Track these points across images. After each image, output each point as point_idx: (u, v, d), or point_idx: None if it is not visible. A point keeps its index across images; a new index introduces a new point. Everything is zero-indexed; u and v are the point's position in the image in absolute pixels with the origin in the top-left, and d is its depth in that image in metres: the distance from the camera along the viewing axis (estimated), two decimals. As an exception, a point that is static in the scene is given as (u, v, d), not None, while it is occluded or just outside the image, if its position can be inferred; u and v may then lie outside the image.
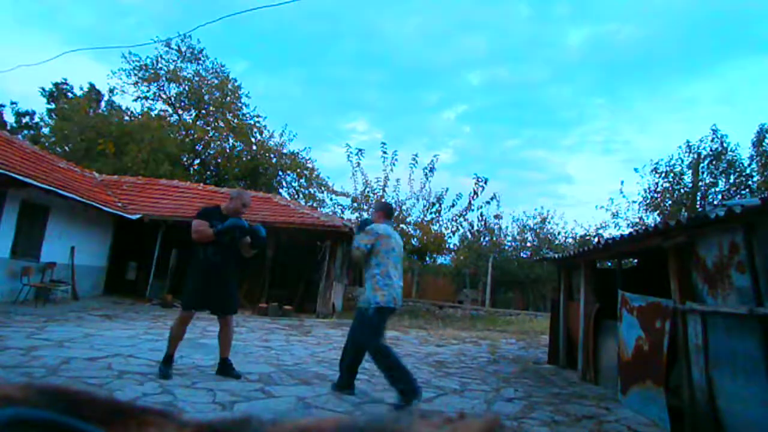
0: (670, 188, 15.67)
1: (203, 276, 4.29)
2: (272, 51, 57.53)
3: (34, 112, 26.89)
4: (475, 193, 15.15)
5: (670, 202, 15.52)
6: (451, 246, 16.85)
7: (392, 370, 3.97)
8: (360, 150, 15.37)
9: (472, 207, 15.36)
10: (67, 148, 19.99)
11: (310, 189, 21.77)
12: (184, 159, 20.16)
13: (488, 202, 15.65)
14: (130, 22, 39.14)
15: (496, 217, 21.83)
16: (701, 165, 15.13)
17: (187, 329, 4.52)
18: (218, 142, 20.44)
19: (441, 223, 15.45)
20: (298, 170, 21.52)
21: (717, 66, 56.43)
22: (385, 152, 15.24)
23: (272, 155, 21.23)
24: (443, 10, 55.52)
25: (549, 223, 25.41)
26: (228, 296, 4.46)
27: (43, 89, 24.79)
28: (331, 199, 18.32)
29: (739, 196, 13.85)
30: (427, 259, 16.92)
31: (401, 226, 14.87)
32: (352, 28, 59.40)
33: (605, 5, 53.97)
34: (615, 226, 17.35)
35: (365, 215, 15.18)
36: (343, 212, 16.34)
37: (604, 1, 54.26)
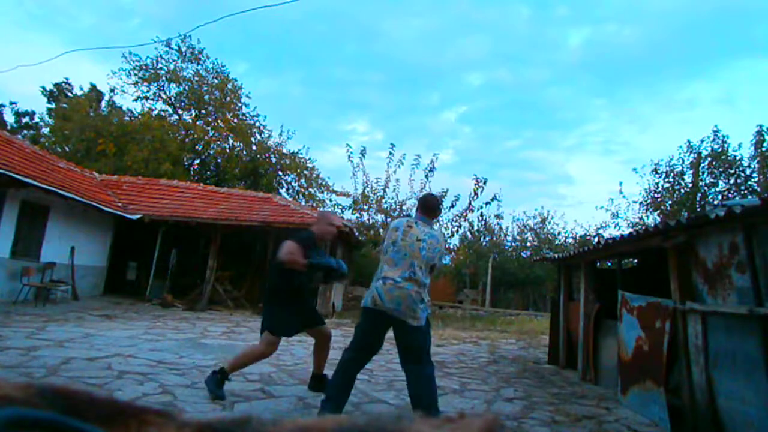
0: (671, 188, 15.65)
1: (291, 301, 4.14)
2: (273, 52, 57.53)
3: (34, 112, 26.92)
4: (475, 193, 15.14)
5: (670, 202, 15.51)
6: (451, 246, 16.84)
7: (332, 384, 3.54)
8: (363, 150, 15.35)
9: (473, 207, 15.34)
10: (67, 148, 20.00)
11: (310, 189, 21.78)
12: (185, 159, 20.16)
13: (488, 203, 15.63)
14: (131, 24, 39.16)
15: (497, 217, 21.82)
16: (701, 165, 15.12)
17: (189, 328, 4.49)
18: (218, 142, 20.44)
19: (441, 223, 15.44)
20: (298, 170, 21.53)
21: (717, 67, 56.48)
22: (391, 153, 15.22)
23: (272, 155, 21.23)
24: (443, 11, 55.56)
25: (549, 223, 25.42)
26: (314, 309, 4.59)
27: (43, 88, 24.82)
28: (331, 199, 18.33)
29: (739, 196, 13.85)
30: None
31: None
32: (352, 29, 59.41)
33: (605, 6, 53.98)
34: (615, 226, 17.35)
35: (365, 216, 15.20)
36: (343, 212, 16.34)
37: (604, 3, 54.27)
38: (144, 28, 41.34)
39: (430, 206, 3.83)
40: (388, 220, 14.84)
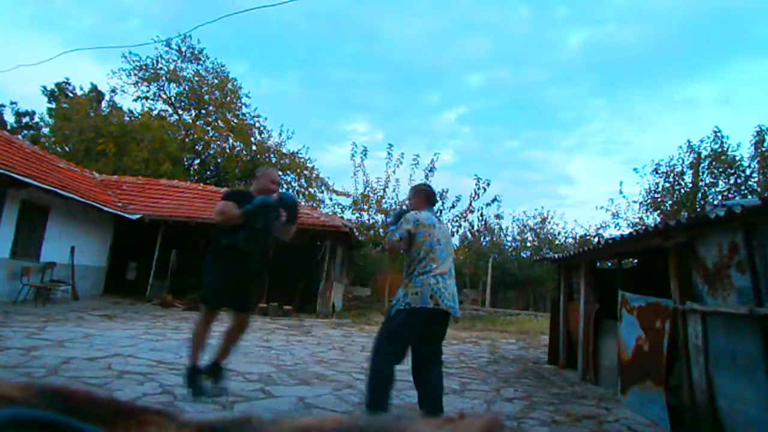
0: (671, 188, 15.65)
1: (230, 266, 3.68)
2: (273, 52, 57.61)
3: (34, 112, 26.93)
4: (476, 194, 15.14)
5: (670, 202, 15.51)
6: (451, 246, 16.83)
7: (373, 389, 3.28)
8: (365, 150, 15.37)
9: (473, 208, 15.35)
10: (67, 148, 20.00)
11: (310, 189, 21.79)
12: (185, 159, 20.17)
13: (489, 204, 15.64)
14: (131, 24, 39.21)
15: (497, 217, 21.82)
16: (701, 165, 15.12)
17: (189, 328, 4.30)
18: (218, 142, 20.45)
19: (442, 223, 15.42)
20: (298, 170, 21.53)
21: (716, 67, 56.54)
22: (390, 153, 15.23)
23: (272, 155, 21.24)
24: (444, 12, 55.58)
25: (549, 223, 25.46)
26: (251, 290, 3.95)
27: (44, 88, 24.83)
28: (331, 199, 18.33)
29: (739, 196, 13.85)
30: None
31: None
32: (352, 30, 59.44)
33: (605, 7, 54.04)
34: (615, 226, 17.35)
35: (365, 216, 15.19)
36: (343, 212, 16.34)
37: (604, 3, 54.32)
38: (144, 29, 41.42)
39: (434, 197, 3.76)
40: (388, 220, 14.83)
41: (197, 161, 21.42)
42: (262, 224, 3.74)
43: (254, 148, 21.18)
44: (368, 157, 15.63)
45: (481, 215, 16.68)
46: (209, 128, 20.83)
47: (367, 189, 15.23)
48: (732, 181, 14.78)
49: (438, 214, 3.66)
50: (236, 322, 3.85)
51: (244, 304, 3.85)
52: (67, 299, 10.35)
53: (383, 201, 15.15)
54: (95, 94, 24.07)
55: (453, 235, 16.06)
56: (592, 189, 58.61)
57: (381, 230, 14.62)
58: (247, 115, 22.11)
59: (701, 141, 15.28)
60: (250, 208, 3.59)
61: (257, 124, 22.04)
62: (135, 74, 20.70)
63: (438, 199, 3.80)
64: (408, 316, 3.24)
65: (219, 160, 20.62)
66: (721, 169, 14.87)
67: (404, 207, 3.83)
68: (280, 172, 21.40)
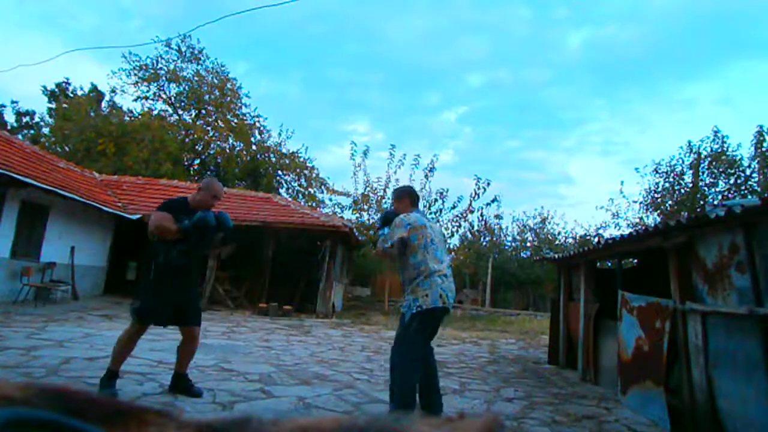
0: (671, 188, 15.66)
1: (164, 282, 3.60)
2: (273, 53, 57.64)
3: (34, 112, 26.93)
4: (476, 194, 15.16)
5: (670, 202, 15.51)
6: (451, 246, 16.84)
7: (401, 391, 3.36)
8: (366, 149, 15.39)
9: (473, 208, 15.36)
10: (67, 148, 20.01)
11: (310, 189, 21.79)
12: (185, 159, 20.18)
13: (489, 204, 15.66)
14: (132, 25, 39.23)
15: (497, 217, 21.83)
16: (701, 165, 15.13)
17: None
18: (218, 142, 20.45)
19: (441, 223, 15.44)
20: (298, 170, 21.54)
21: (716, 68, 56.55)
22: (392, 153, 15.25)
23: (272, 155, 21.25)
24: (444, 12, 55.59)
25: (549, 223, 25.45)
26: (193, 304, 3.87)
27: (44, 88, 24.84)
28: (331, 199, 18.33)
29: (739, 196, 13.85)
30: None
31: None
32: (353, 30, 59.47)
33: (605, 8, 54.07)
34: (615, 227, 17.36)
35: (365, 216, 15.19)
36: (343, 212, 16.34)
37: (604, 4, 54.34)
38: (145, 29, 41.44)
39: (418, 197, 3.86)
40: (377, 223, 14.81)
41: (197, 161, 21.42)
42: (198, 240, 3.65)
43: (254, 148, 21.18)
44: (368, 157, 15.64)
45: (481, 215, 16.72)
46: (209, 128, 20.84)
47: (367, 189, 15.23)
48: (732, 181, 14.79)
49: (435, 214, 3.72)
50: (184, 336, 3.85)
51: (186, 320, 3.78)
52: (67, 299, 10.36)
53: (383, 201, 15.15)
54: (95, 94, 24.07)
55: (452, 235, 16.10)
56: (592, 189, 58.63)
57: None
58: (247, 115, 22.13)
59: (701, 141, 15.31)
60: (188, 225, 3.52)
61: (257, 124, 22.06)
62: (135, 74, 20.72)
63: (420, 197, 3.92)
64: (422, 317, 3.36)
65: (219, 160, 20.62)
66: (721, 170, 14.87)
67: (389, 210, 3.89)
68: (279, 172, 21.48)
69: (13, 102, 26.89)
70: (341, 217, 14.88)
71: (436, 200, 15.30)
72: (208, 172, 21.06)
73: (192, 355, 3.89)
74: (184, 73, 21.07)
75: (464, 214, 15.44)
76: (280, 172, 21.51)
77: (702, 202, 14.47)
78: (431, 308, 3.35)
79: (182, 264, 3.63)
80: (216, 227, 3.68)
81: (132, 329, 3.65)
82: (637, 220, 16.29)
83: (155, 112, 21.28)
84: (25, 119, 26.86)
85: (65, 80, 25.13)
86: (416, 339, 3.40)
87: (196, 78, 21.10)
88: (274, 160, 21.23)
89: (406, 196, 3.78)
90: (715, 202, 13.13)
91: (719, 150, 14.92)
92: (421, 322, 3.37)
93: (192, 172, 20.66)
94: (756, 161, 14.49)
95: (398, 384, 3.40)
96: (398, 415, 0.35)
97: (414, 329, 3.37)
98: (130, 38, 49.24)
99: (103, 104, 23.64)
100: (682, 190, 15.40)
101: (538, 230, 25.33)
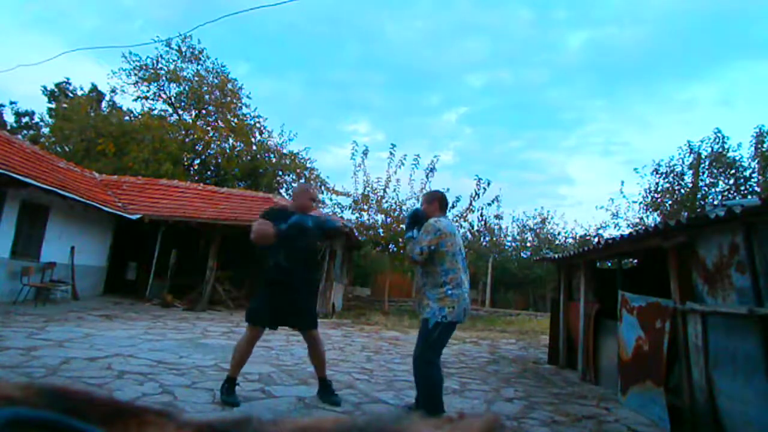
0: (671, 188, 15.66)
1: (273, 285, 3.76)
2: (274, 54, 57.69)
3: (34, 112, 26.93)
4: (477, 194, 15.14)
5: (670, 202, 15.51)
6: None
7: (429, 396, 3.43)
8: (366, 149, 15.37)
9: (473, 208, 15.35)
10: (67, 148, 20.00)
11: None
12: (185, 159, 20.16)
13: (489, 204, 15.65)
14: (133, 26, 39.22)
15: (496, 217, 21.81)
16: (701, 165, 15.13)
17: (189, 328, 4.37)
18: (218, 142, 20.44)
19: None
20: (298, 170, 21.53)
21: (715, 68, 56.58)
22: (393, 153, 15.23)
23: (272, 155, 21.24)
24: (445, 13, 55.60)
25: (549, 223, 25.44)
26: (305, 306, 3.90)
27: (44, 88, 24.83)
28: (331, 199, 18.31)
29: (739, 196, 13.85)
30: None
31: (402, 226, 14.85)
32: (353, 31, 59.48)
33: (604, 9, 54.08)
34: (615, 227, 17.36)
35: (365, 216, 15.18)
36: (343, 212, 16.33)
37: (604, 5, 54.35)
38: (146, 30, 41.44)
39: (447, 204, 3.86)
40: (388, 220, 14.83)
41: (197, 161, 21.41)
42: (303, 243, 3.79)
43: (254, 148, 21.17)
44: (368, 158, 15.63)
45: (481, 215, 16.69)
46: (209, 128, 20.82)
47: (368, 189, 15.22)
48: (732, 182, 14.78)
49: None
50: (306, 341, 3.93)
51: (299, 323, 3.89)
52: (67, 299, 10.35)
53: (383, 201, 15.14)
54: (95, 94, 24.07)
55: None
56: (592, 189, 58.68)
57: (381, 230, 14.61)
58: (248, 115, 22.12)
59: (701, 141, 15.31)
60: (284, 227, 3.65)
61: (257, 125, 22.05)
62: (135, 74, 20.69)
63: (449, 204, 3.94)
64: (445, 328, 3.44)
65: (219, 160, 20.61)
66: (721, 170, 14.87)
67: (418, 208, 3.84)
68: (280, 172, 21.47)
69: (12, 102, 26.94)
70: (341, 217, 14.87)
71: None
72: (208, 172, 21.07)
73: (322, 357, 3.92)
74: (185, 73, 21.06)
75: (464, 214, 15.43)
76: (280, 172, 21.50)
77: (702, 202, 14.47)
78: (454, 321, 3.44)
79: (291, 267, 3.75)
80: (315, 228, 3.82)
81: (248, 334, 3.76)
82: (637, 220, 16.29)
83: (155, 112, 21.27)
84: (25, 119, 26.86)
85: (65, 80, 25.14)
86: (438, 345, 3.47)
87: (196, 78, 21.09)
88: (274, 160, 21.22)
89: (436, 201, 3.75)
90: (715, 202, 13.13)
91: (719, 150, 14.92)
92: (443, 332, 3.43)
93: (192, 172, 20.64)
94: (756, 161, 14.50)
95: (424, 390, 3.47)
96: (398, 415, 0.35)
97: (437, 336, 3.43)
98: (131, 39, 49.31)
99: (103, 104, 23.64)
100: (682, 191, 15.40)
101: (538, 230, 25.32)
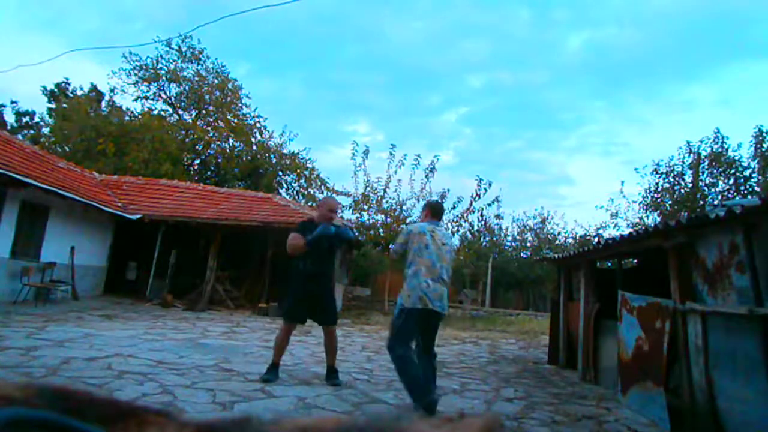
0: (670, 188, 15.65)
1: (301, 287, 4.50)
2: (275, 54, 57.71)
3: (34, 112, 26.92)
4: (477, 194, 15.14)
5: (670, 202, 15.50)
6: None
7: (406, 382, 3.70)
8: (366, 150, 15.36)
9: (473, 208, 15.34)
10: (67, 148, 19.99)
11: (310, 189, 21.76)
12: (185, 159, 20.15)
13: (490, 204, 15.64)
14: (135, 27, 39.24)
15: (497, 217, 21.81)
16: (701, 165, 15.12)
17: (189, 328, 4.54)
18: (218, 142, 20.43)
19: (442, 224, 15.42)
20: (298, 171, 21.51)
21: (715, 69, 56.58)
22: (392, 153, 15.23)
23: (272, 155, 21.23)
24: (445, 14, 55.60)
25: (549, 223, 25.43)
26: (327, 306, 4.60)
27: (44, 88, 24.83)
28: (331, 199, 18.31)
29: (739, 196, 13.84)
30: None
31: (402, 226, 14.85)
32: (354, 31, 59.49)
33: (604, 10, 54.08)
34: (615, 227, 17.35)
35: (365, 216, 15.19)
36: (343, 212, 16.32)
37: (603, 6, 54.35)
38: (147, 31, 41.49)
39: (440, 211, 4.42)
40: (388, 220, 14.83)
41: (197, 161, 21.40)
42: (327, 247, 4.49)
43: (254, 148, 21.16)
44: (369, 158, 15.61)
45: (481, 215, 16.68)
46: (209, 128, 20.81)
47: (368, 189, 15.21)
48: (732, 182, 14.77)
49: (436, 223, 4.19)
50: (325, 333, 4.62)
51: (321, 319, 4.57)
52: (67, 299, 10.35)
53: (383, 201, 15.13)
54: (95, 94, 24.06)
55: (453, 236, 16.06)
56: (592, 189, 58.76)
57: (381, 230, 14.60)
58: (248, 115, 22.11)
59: (701, 141, 15.30)
60: (310, 238, 4.32)
61: (257, 125, 22.04)
62: (135, 74, 20.70)
63: (442, 211, 4.58)
64: (405, 315, 3.80)
65: (219, 160, 20.60)
66: (721, 170, 14.86)
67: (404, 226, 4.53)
68: (280, 172, 21.47)
69: (12, 102, 26.89)
70: (341, 217, 14.86)
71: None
72: (208, 172, 21.06)
73: (333, 349, 4.60)
74: (185, 73, 21.05)
75: (464, 214, 15.42)
76: (280, 173, 21.49)
77: (702, 202, 14.46)
78: (410, 308, 3.77)
79: (315, 271, 4.47)
80: (336, 236, 4.43)
81: (284, 329, 4.52)
82: (637, 220, 16.28)
83: (155, 112, 21.26)
84: (25, 119, 26.85)
85: (65, 80, 25.14)
86: (398, 331, 3.82)
87: (196, 78, 21.09)
88: (274, 160, 21.21)
89: (427, 208, 4.35)
90: (715, 202, 13.13)
91: (719, 150, 14.91)
92: (404, 320, 3.79)
93: (192, 172, 20.63)
94: (756, 161, 14.49)
95: (400, 377, 3.79)
96: (398, 415, 0.35)
97: (397, 323, 3.83)
98: (132, 40, 49.40)
99: (103, 104, 23.63)
100: (682, 191, 15.39)
101: (538, 230, 25.32)
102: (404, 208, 15.15)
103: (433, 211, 4.31)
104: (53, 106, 24.32)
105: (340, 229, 4.49)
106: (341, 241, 4.61)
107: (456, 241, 18.21)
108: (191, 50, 21.02)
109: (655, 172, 15.98)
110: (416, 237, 3.96)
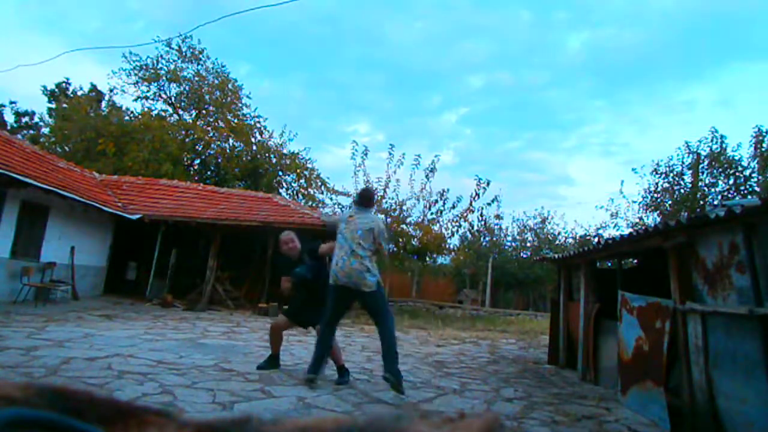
0: (670, 188, 15.65)
1: (305, 295, 5.03)
2: (276, 55, 57.77)
3: (34, 112, 26.91)
4: (477, 194, 15.13)
5: (670, 202, 15.50)
6: (451, 246, 16.82)
7: (318, 349, 4.42)
8: (365, 150, 15.36)
9: (473, 208, 15.34)
10: (67, 148, 19.97)
11: (310, 189, 21.75)
12: (185, 159, 20.14)
13: (489, 204, 15.64)
14: (135, 27, 39.23)
15: (497, 217, 21.80)
16: (701, 165, 15.11)
17: (189, 328, 4.62)
18: (218, 142, 20.42)
19: (441, 223, 15.44)
20: (298, 171, 21.50)
21: (715, 69, 56.57)
22: (391, 153, 15.23)
23: (272, 155, 21.21)
24: (445, 15, 55.57)
25: (549, 223, 25.43)
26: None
27: (44, 88, 24.81)
28: (331, 199, 18.30)
29: (739, 196, 13.84)
30: (427, 259, 16.89)
31: (402, 226, 14.84)
32: (354, 31, 59.49)
33: (604, 10, 54.05)
34: (615, 227, 17.34)
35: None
36: (343, 212, 16.31)
37: (603, 7, 54.32)
38: (148, 31, 41.53)
39: (363, 198, 4.75)
40: (388, 220, 14.83)
41: (197, 161, 21.39)
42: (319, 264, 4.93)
43: (254, 148, 21.15)
44: (369, 158, 15.62)
45: (481, 215, 16.67)
46: (209, 128, 20.80)
47: (367, 189, 15.19)
48: (732, 181, 14.77)
49: (436, 214, 4.53)
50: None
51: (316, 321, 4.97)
52: (67, 299, 10.35)
53: (383, 201, 15.13)
54: (95, 94, 24.05)
55: (453, 235, 16.05)
56: (592, 189, 58.74)
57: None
58: (248, 115, 22.10)
59: (699, 141, 15.30)
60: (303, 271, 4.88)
61: (258, 125, 22.02)
62: (135, 74, 20.68)
63: (368, 197, 4.82)
64: (330, 291, 4.42)
65: (219, 160, 20.59)
66: (720, 170, 14.86)
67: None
68: (280, 172, 21.45)
69: (12, 102, 26.87)
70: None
71: (436, 201, 15.29)
72: (208, 172, 21.04)
73: (337, 350, 4.85)
74: (185, 73, 21.04)
75: (464, 214, 15.42)
76: (280, 173, 21.47)
77: (702, 202, 14.46)
78: (332, 285, 4.38)
79: (313, 279, 4.83)
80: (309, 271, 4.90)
81: (283, 323, 5.08)
82: (637, 220, 16.28)
83: (155, 112, 21.23)
84: (25, 119, 26.84)
85: (65, 80, 25.12)
86: (327, 309, 4.43)
87: (196, 78, 21.07)
88: (274, 160, 21.19)
89: (358, 196, 4.90)
90: (715, 202, 13.13)
91: (718, 150, 14.90)
92: (329, 293, 4.42)
93: (192, 172, 20.62)
94: (755, 161, 14.49)
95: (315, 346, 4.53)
96: (398, 415, 0.35)
97: (328, 301, 4.43)
98: (132, 40, 49.35)
99: (103, 104, 23.62)
100: (682, 191, 15.39)
101: (538, 230, 25.32)
102: (404, 208, 15.15)
103: (359, 199, 4.77)
104: (53, 106, 24.30)
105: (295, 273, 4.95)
106: (311, 253, 4.99)
107: (456, 240, 18.15)
108: (191, 50, 21.01)
109: (654, 172, 15.98)
110: (339, 224, 4.54)
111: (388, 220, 14.82)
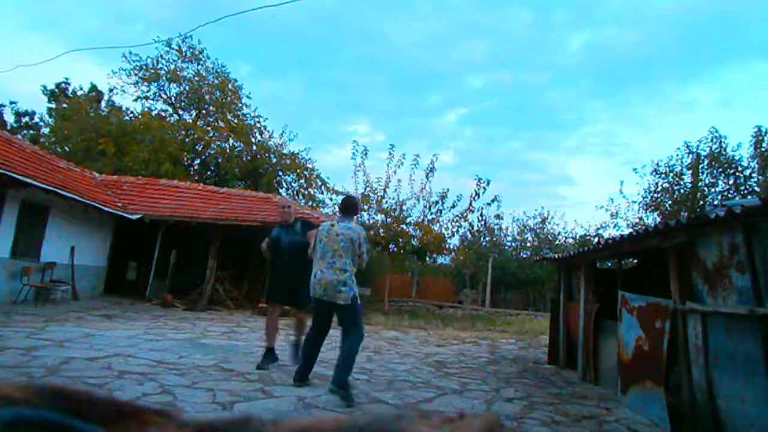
0: (670, 188, 15.65)
1: (278, 277, 5.46)
2: (276, 55, 57.68)
3: (34, 112, 26.89)
4: (477, 194, 15.13)
5: (670, 202, 15.50)
6: (451, 246, 16.82)
7: (303, 352, 4.55)
8: (365, 150, 15.36)
9: (473, 208, 15.33)
10: (67, 148, 19.96)
11: (310, 189, 21.75)
12: (185, 159, 20.13)
13: (489, 204, 15.63)
14: (135, 27, 39.22)
15: (497, 217, 21.78)
16: (701, 165, 15.12)
17: (189, 328, 4.65)
18: (218, 142, 20.41)
19: (441, 223, 15.43)
20: (299, 171, 21.49)
21: (715, 69, 56.53)
22: (391, 153, 15.23)
23: (272, 155, 21.21)
24: (445, 15, 55.53)
25: (549, 223, 25.42)
26: (296, 290, 5.18)
27: (44, 88, 24.80)
28: (331, 199, 18.30)
29: (739, 196, 13.84)
30: (427, 259, 16.89)
31: (402, 226, 14.84)
32: (354, 31, 59.47)
33: (604, 11, 53.97)
34: (615, 227, 17.34)
35: (365, 216, 15.20)
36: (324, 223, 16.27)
37: (604, 7, 54.26)
38: (148, 32, 41.46)
39: (346, 206, 4.63)
40: (388, 220, 14.83)
41: (197, 161, 21.38)
42: (292, 246, 5.19)
43: (254, 148, 21.14)
44: (369, 158, 15.62)
45: (481, 215, 16.67)
46: (209, 128, 20.80)
47: (367, 189, 15.21)
48: (732, 181, 14.77)
49: (436, 214, 4.44)
50: (294, 317, 5.56)
51: (291, 302, 5.34)
52: (67, 299, 10.35)
53: (383, 201, 15.13)
54: (95, 94, 24.05)
55: (453, 235, 16.04)
56: (592, 189, 58.61)
57: (381, 230, 14.61)
58: (248, 115, 22.09)
59: (699, 141, 15.30)
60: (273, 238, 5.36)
61: (258, 125, 22.02)
62: (135, 74, 20.68)
63: (351, 206, 4.67)
64: (312, 303, 4.39)
65: (219, 160, 20.58)
66: (720, 170, 14.85)
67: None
68: (280, 172, 21.46)
69: (12, 102, 26.85)
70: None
71: (436, 201, 15.29)
72: (208, 172, 21.04)
73: (301, 329, 5.20)
74: (185, 73, 21.03)
75: (464, 214, 15.41)
76: (280, 173, 21.47)
77: (702, 202, 14.46)
78: (312, 297, 4.32)
79: (288, 263, 5.15)
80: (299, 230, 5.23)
81: (269, 311, 5.41)
82: (637, 220, 16.28)
83: (155, 112, 21.23)
84: (25, 119, 26.82)
85: (65, 80, 25.11)
86: (312, 318, 4.49)
87: (196, 78, 21.06)
88: (274, 160, 21.19)
89: (340, 205, 4.77)
90: (715, 202, 13.13)
91: (718, 150, 14.90)
92: (312, 306, 4.42)
93: (192, 172, 20.61)
94: (755, 161, 14.49)
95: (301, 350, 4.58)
96: (398, 415, 0.35)
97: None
98: (132, 40, 49.42)
99: (103, 104, 23.61)
100: (682, 191, 15.39)
101: (538, 230, 25.31)
102: (404, 208, 15.15)
103: (342, 207, 4.68)
104: (53, 106, 24.30)
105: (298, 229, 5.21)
106: (306, 226, 5.20)
107: (456, 240, 18.13)
108: (191, 50, 21.01)
109: (654, 172, 15.98)
110: (318, 234, 4.45)
111: (388, 220, 14.82)
